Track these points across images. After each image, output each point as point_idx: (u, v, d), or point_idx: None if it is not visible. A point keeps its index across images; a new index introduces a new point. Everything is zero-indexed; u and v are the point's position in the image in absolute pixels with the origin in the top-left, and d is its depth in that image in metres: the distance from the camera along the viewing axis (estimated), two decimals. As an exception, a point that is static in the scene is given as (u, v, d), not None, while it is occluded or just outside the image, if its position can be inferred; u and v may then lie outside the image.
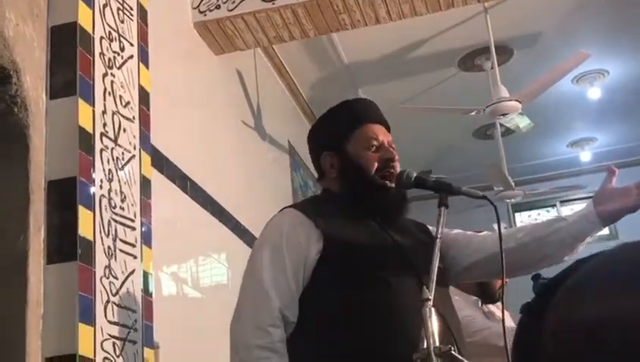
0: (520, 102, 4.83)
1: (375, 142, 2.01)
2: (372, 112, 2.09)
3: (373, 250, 1.90)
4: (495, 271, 1.88)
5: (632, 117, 7.55)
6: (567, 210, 8.67)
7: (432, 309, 1.50)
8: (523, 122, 5.23)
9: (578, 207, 8.79)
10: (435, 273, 1.61)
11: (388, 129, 2.08)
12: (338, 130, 2.05)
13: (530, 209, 8.87)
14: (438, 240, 1.71)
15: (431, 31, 5.46)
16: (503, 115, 4.93)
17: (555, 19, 5.58)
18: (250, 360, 1.80)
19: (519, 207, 8.61)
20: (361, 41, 5.42)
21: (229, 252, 4.01)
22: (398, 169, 1.99)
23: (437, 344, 1.45)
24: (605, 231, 8.69)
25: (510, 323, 1.96)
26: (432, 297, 1.53)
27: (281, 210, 2.06)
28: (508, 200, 6.71)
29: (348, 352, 1.79)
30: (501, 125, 6.11)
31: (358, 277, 1.84)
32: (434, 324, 1.48)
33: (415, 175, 1.89)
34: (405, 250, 1.91)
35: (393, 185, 1.95)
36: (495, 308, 3.11)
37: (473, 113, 5.17)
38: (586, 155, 8.12)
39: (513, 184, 5.90)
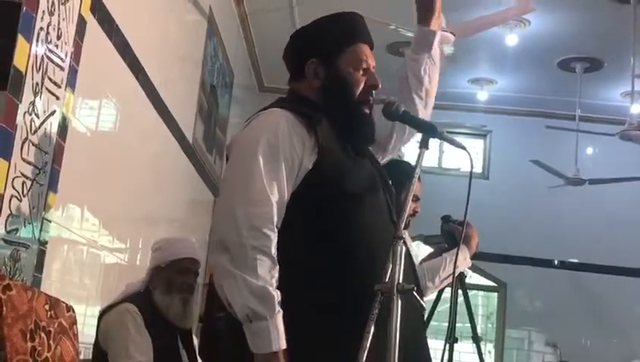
0: (454, 36, 4.88)
1: (365, 65, 1.99)
2: (366, 32, 2.06)
3: (359, 174, 1.92)
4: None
5: (536, 70, 7.82)
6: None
7: (404, 248, 1.54)
8: (448, 51, 5.30)
9: (459, 139, 9.18)
10: (406, 212, 1.65)
11: (372, 49, 2.06)
12: (332, 42, 2.00)
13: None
14: (414, 179, 1.73)
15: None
16: (435, 43, 4.95)
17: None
18: (244, 259, 1.70)
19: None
20: None
21: (135, 105, 3.91)
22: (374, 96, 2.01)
23: (400, 281, 1.50)
24: (478, 169, 9.11)
25: None
26: (403, 236, 1.57)
27: (269, 108, 1.96)
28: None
29: (324, 267, 1.80)
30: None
31: (344, 198, 1.85)
32: (402, 262, 1.53)
33: (403, 109, 1.90)
34: (379, 177, 1.95)
35: (368, 111, 1.96)
36: None
37: (410, 34, 5.17)
38: (483, 95, 8.37)
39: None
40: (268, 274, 1.71)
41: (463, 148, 1.83)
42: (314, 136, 1.86)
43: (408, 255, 1.63)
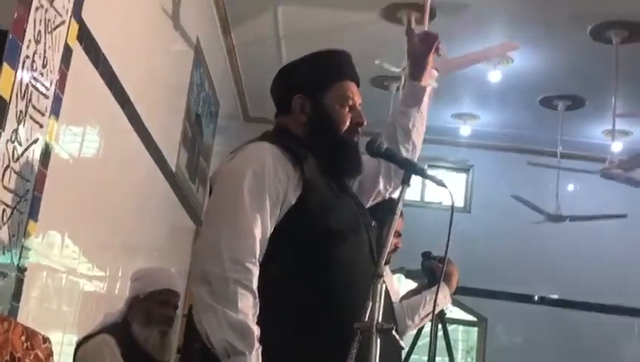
0: (437, 71, 4.92)
1: (350, 101, 2.01)
2: (352, 69, 2.08)
3: (341, 206, 1.92)
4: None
5: (518, 107, 7.90)
6: (433, 173, 8.99)
7: (384, 286, 1.55)
8: (432, 85, 5.34)
9: (442, 173, 9.25)
10: (387, 249, 1.66)
11: (359, 87, 2.08)
12: (319, 78, 2.02)
13: (402, 166, 9.14)
14: (396, 215, 1.74)
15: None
16: (420, 78, 5.01)
17: (485, 1, 5.71)
18: (225, 292, 1.69)
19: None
20: (296, -40, 5.32)
21: (119, 133, 3.91)
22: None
23: (380, 320, 1.50)
24: (460, 203, 9.17)
25: None
26: (384, 273, 1.57)
27: (254, 141, 1.97)
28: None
29: (303, 304, 1.79)
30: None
31: (326, 236, 1.85)
32: (382, 300, 1.53)
33: (386, 146, 1.91)
34: (361, 215, 1.96)
35: (354, 147, 1.99)
36: None
37: (394, 69, 5.22)
38: (465, 129, 8.43)
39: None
40: (248, 308, 1.70)
41: (444, 185, 1.85)
42: (299, 171, 1.86)
43: (387, 293, 1.63)
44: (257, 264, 1.75)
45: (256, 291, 1.72)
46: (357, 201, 2.06)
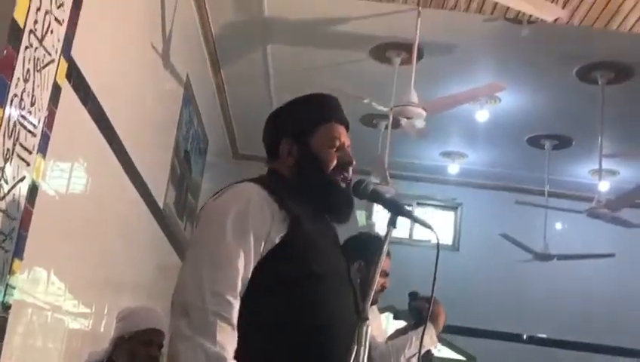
0: (426, 111, 4.98)
1: (337, 142, 2.02)
2: (339, 112, 2.10)
3: (326, 253, 1.92)
4: None
5: (506, 146, 7.96)
6: (421, 212, 9.04)
7: (369, 329, 1.55)
8: (420, 125, 5.40)
9: (430, 211, 9.27)
10: (373, 291, 1.66)
11: (348, 130, 2.10)
12: (304, 121, 2.04)
13: (389, 202, 9.16)
14: (382, 257, 1.74)
15: (356, 12, 5.49)
16: (408, 118, 5.07)
17: (473, 41, 5.77)
18: (204, 324, 1.68)
19: (380, 198, 8.87)
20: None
21: (107, 170, 3.91)
22: (351, 173, 2.03)
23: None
24: (448, 241, 9.19)
25: None
26: (368, 317, 1.58)
27: (240, 182, 1.98)
28: (378, 193, 6.88)
29: (283, 345, 1.78)
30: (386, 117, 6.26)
31: (308, 278, 1.84)
32: (367, 344, 1.53)
33: (372, 188, 1.92)
34: (345, 259, 1.97)
35: (344, 187, 1.99)
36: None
37: (381, 108, 5.27)
38: (454, 168, 8.48)
39: (389, 180, 6.07)
40: (226, 342, 1.69)
41: (430, 228, 1.85)
42: (284, 211, 1.87)
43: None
44: (238, 298, 1.75)
45: (235, 325, 1.72)
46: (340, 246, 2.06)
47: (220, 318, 1.69)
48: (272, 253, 1.84)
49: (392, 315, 3.70)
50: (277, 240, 1.84)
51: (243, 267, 1.78)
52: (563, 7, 3.86)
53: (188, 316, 1.70)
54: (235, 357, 1.70)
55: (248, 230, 1.81)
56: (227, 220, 1.81)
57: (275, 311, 1.81)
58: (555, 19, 4.00)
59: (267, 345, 1.78)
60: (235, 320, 1.72)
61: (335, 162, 2.01)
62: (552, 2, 3.81)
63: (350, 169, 2.03)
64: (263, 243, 1.83)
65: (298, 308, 1.82)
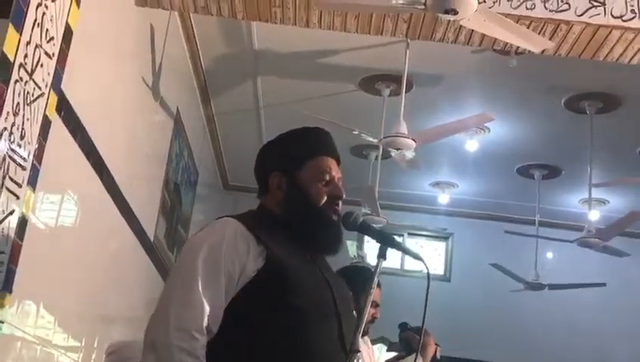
0: (415, 142, 5.00)
1: (327, 176, 2.02)
2: (329, 145, 2.10)
3: (309, 287, 1.89)
4: None
5: (496, 176, 7.99)
6: (412, 242, 9.05)
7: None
8: (410, 156, 5.42)
9: (421, 241, 9.27)
10: (364, 323, 1.65)
11: (339, 163, 2.10)
12: (293, 155, 2.04)
13: (380, 233, 9.15)
14: (372, 288, 1.74)
15: (345, 44, 5.53)
16: (397, 148, 5.09)
17: (461, 72, 5.82)
18: (169, 359, 1.71)
19: (370, 229, 8.87)
20: (276, 32, 5.39)
21: (97, 203, 3.90)
22: (340, 206, 2.02)
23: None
24: (440, 271, 9.16)
25: None
26: (361, 349, 1.57)
27: (219, 218, 1.98)
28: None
29: None
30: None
31: (288, 310, 1.83)
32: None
33: (362, 219, 1.93)
34: (334, 291, 1.95)
35: (335, 220, 1.98)
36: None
37: (370, 139, 5.29)
38: (444, 198, 8.49)
39: (379, 211, 6.07)
40: None
41: (421, 259, 1.86)
42: (262, 245, 1.87)
43: None
44: (204, 333, 1.76)
45: (202, 357, 1.73)
46: (334, 282, 2.01)
47: (185, 353, 1.71)
48: (248, 286, 1.84)
49: (384, 347, 3.68)
50: (253, 274, 1.84)
51: (212, 303, 1.79)
52: (550, 39, 3.90)
53: (155, 351, 1.73)
54: None
55: (219, 267, 1.82)
56: (199, 258, 1.83)
57: (250, 344, 1.81)
58: (543, 51, 4.04)
59: None
60: (201, 355, 1.74)
61: (325, 197, 2.00)
62: (539, 34, 3.85)
63: (340, 203, 2.02)
64: (237, 278, 1.84)
65: (272, 339, 1.81)
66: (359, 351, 1.58)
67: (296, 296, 1.85)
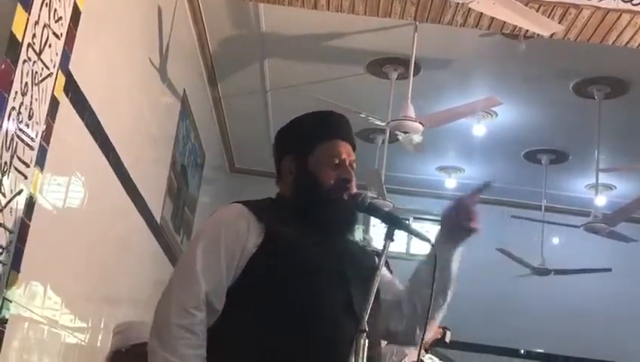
0: (423, 125, 4.99)
1: (337, 160, 2.01)
2: (342, 129, 2.09)
3: (311, 258, 1.89)
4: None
5: (503, 161, 7.96)
6: (418, 227, 9.04)
7: (367, 341, 1.54)
8: (417, 139, 5.41)
9: (427, 226, 9.27)
10: (371, 303, 1.65)
11: (354, 147, 2.09)
12: (304, 139, 2.05)
13: (386, 217, 9.17)
14: (379, 271, 1.74)
15: (353, 27, 5.51)
16: (405, 132, 5.08)
17: (469, 55, 5.80)
18: (167, 337, 1.78)
19: (376, 213, 8.88)
20: (283, 14, 5.39)
21: (104, 184, 3.91)
22: (354, 189, 2.00)
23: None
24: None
25: None
26: (366, 328, 1.57)
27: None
28: (375, 207, 6.89)
29: (268, 355, 1.78)
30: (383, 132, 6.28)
31: (291, 282, 1.84)
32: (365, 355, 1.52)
33: (369, 201, 1.92)
34: (343, 267, 1.93)
35: (346, 201, 1.97)
36: None
37: (378, 122, 5.28)
38: (451, 182, 8.48)
39: (386, 194, 6.07)
40: (190, 352, 1.77)
41: (428, 240, 1.87)
42: (263, 223, 1.91)
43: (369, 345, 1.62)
44: (202, 309, 1.82)
45: (200, 332, 1.80)
46: (347, 259, 1.99)
47: (184, 330, 1.78)
48: (249, 263, 1.88)
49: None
50: (254, 250, 1.88)
51: (212, 281, 1.85)
52: (559, 22, 3.88)
53: (158, 331, 1.82)
54: None
55: (219, 246, 1.88)
56: (200, 241, 1.91)
57: (253, 316, 1.84)
58: (552, 35, 4.02)
59: (248, 349, 1.81)
60: (200, 331, 1.80)
61: (332, 181, 1.99)
62: (548, 17, 3.83)
63: (350, 185, 2.01)
64: (238, 256, 1.88)
65: (274, 309, 1.83)
66: (366, 331, 1.57)
67: (295, 261, 1.87)
